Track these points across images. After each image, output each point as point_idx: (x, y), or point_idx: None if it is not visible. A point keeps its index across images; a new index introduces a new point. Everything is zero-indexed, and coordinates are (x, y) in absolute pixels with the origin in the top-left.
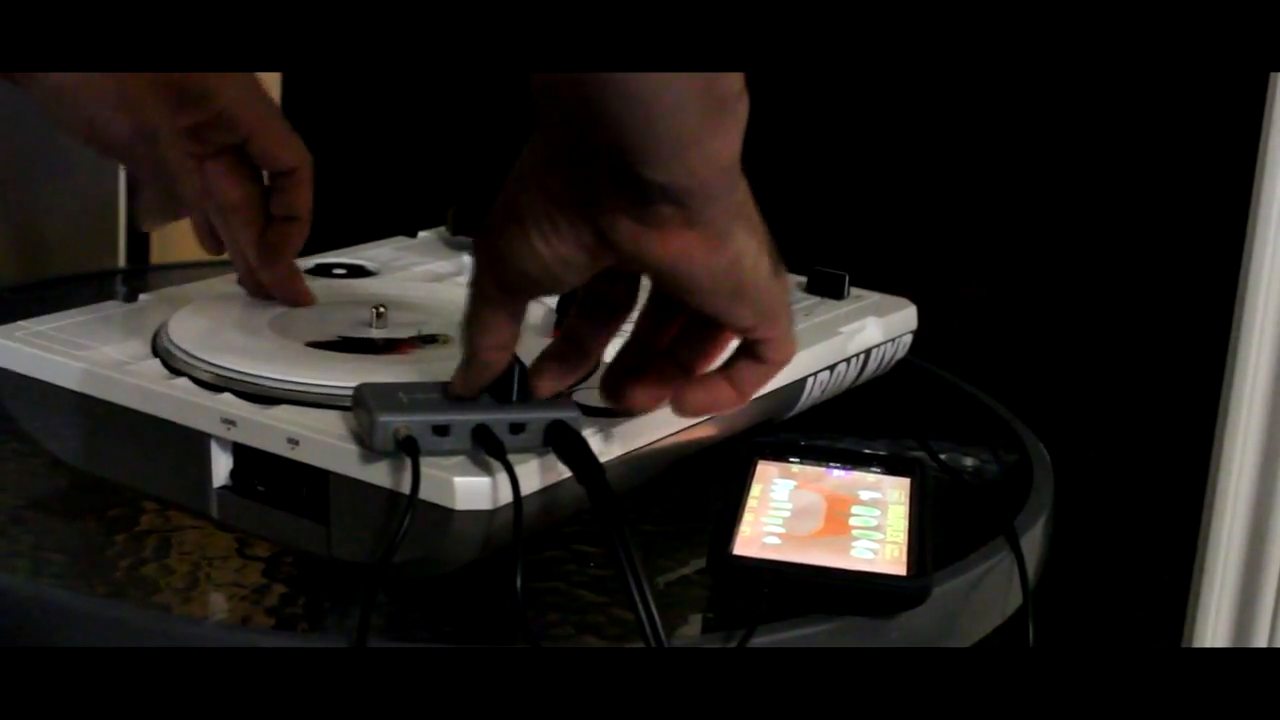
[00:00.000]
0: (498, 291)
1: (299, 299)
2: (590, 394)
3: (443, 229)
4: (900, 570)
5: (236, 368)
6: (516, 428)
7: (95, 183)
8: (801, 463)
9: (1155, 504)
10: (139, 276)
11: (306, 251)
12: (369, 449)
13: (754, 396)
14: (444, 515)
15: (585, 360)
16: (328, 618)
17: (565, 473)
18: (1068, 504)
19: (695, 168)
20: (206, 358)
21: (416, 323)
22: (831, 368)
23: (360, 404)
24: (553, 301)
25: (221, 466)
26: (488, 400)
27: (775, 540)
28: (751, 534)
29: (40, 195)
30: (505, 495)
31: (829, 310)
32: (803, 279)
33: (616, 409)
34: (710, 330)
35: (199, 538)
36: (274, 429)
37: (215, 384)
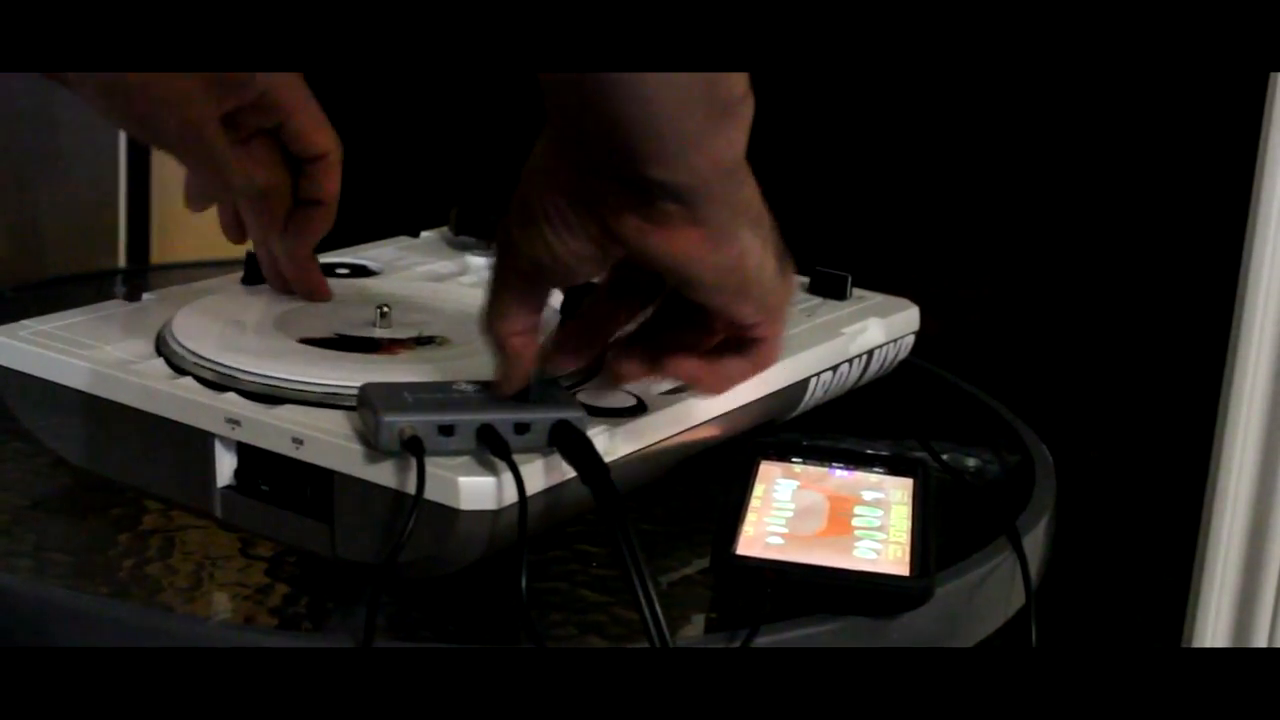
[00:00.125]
0: (517, 280)
1: (316, 291)
2: (595, 394)
3: (445, 229)
4: (903, 570)
5: (241, 367)
6: (521, 428)
7: (95, 183)
8: (804, 463)
9: (1156, 504)
10: (139, 276)
11: None
12: (374, 449)
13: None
14: (449, 515)
15: (598, 343)
16: (331, 618)
17: (569, 473)
18: (1069, 504)
19: (698, 167)
20: (211, 357)
21: (420, 323)
22: (834, 368)
23: (365, 404)
24: (556, 302)
25: (226, 466)
26: (493, 400)
27: (778, 540)
28: (754, 534)
29: (40, 195)
30: (510, 495)
31: (831, 311)
32: (805, 280)
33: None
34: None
35: (202, 537)
36: (278, 428)
37: (219, 383)
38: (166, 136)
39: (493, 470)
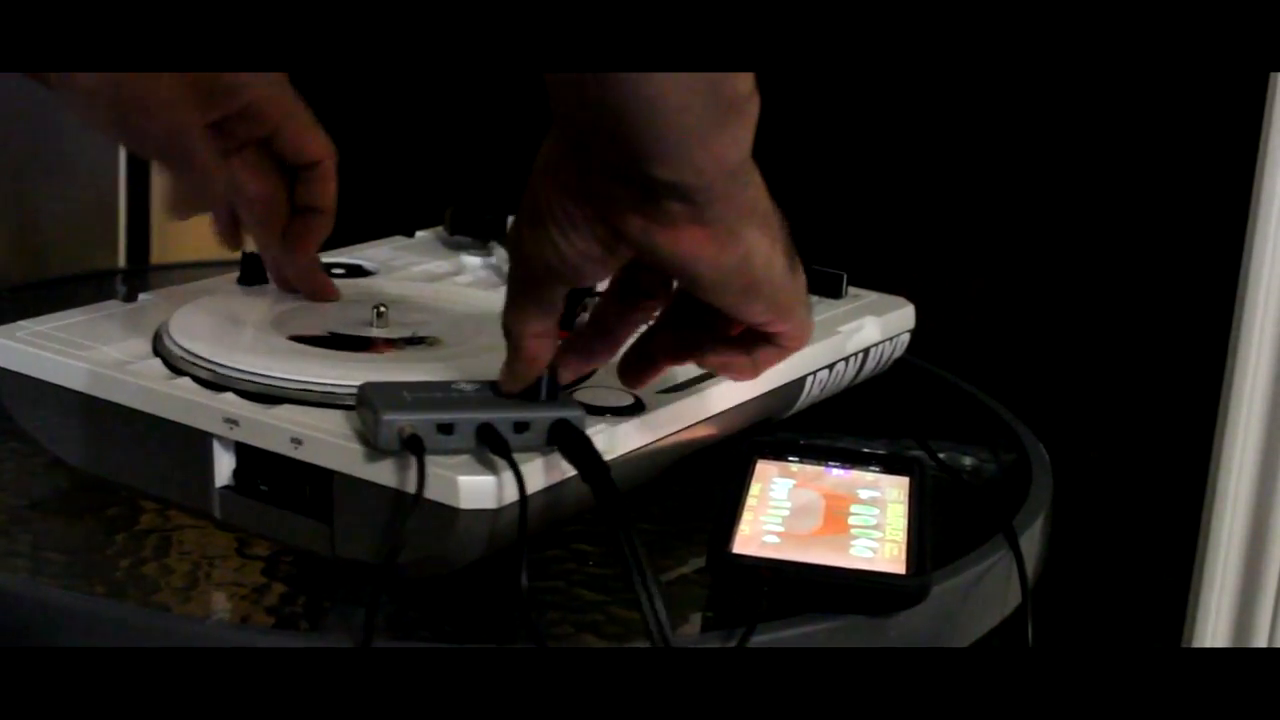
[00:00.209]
0: (530, 282)
1: (321, 291)
2: (594, 393)
3: (440, 229)
4: (899, 569)
5: (239, 367)
6: (521, 427)
7: (95, 183)
8: (801, 462)
9: (1155, 504)
10: (139, 276)
11: None
12: (373, 448)
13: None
14: (449, 514)
15: (610, 347)
16: (328, 617)
17: (569, 472)
18: (1067, 503)
19: (703, 166)
20: (208, 357)
21: (418, 322)
22: (830, 366)
23: (364, 403)
24: None
25: (224, 466)
26: (492, 399)
27: (774, 539)
28: (751, 533)
29: (40, 195)
30: (509, 494)
31: (827, 309)
32: None
33: (634, 370)
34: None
35: (198, 537)
36: (277, 428)
37: (217, 383)
38: (148, 142)
39: (492, 469)
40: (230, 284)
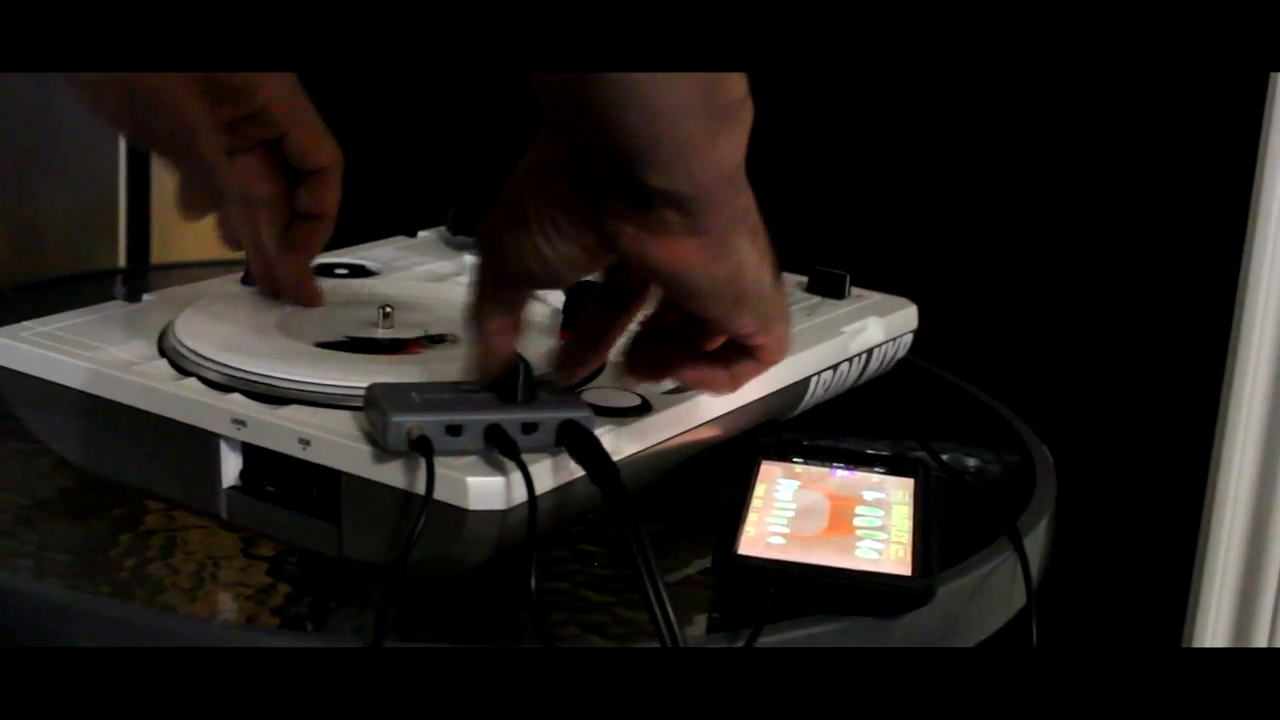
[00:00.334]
0: (500, 284)
1: (309, 298)
2: (601, 394)
3: (443, 229)
4: (905, 570)
5: (246, 368)
6: (529, 427)
7: (95, 183)
8: (805, 463)
9: (1156, 504)
10: (140, 276)
11: None
12: (381, 449)
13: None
14: (458, 515)
15: (603, 348)
16: (334, 617)
17: (577, 472)
18: (1070, 504)
19: (697, 174)
20: (215, 358)
21: (423, 323)
22: (834, 367)
23: (373, 404)
24: (559, 302)
25: (231, 467)
26: (500, 400)
27: (780, 540)
28: (756, 534)
29: (40, 195)
30: (518, 495)
31: (830, 310)
32: (803, 279)
33: (629, 376)
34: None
35: (204, 537)
36: (285, 429)
37: (224, 384)
38: (158, 140)
39: (501, 470)
40: (234, 285)
